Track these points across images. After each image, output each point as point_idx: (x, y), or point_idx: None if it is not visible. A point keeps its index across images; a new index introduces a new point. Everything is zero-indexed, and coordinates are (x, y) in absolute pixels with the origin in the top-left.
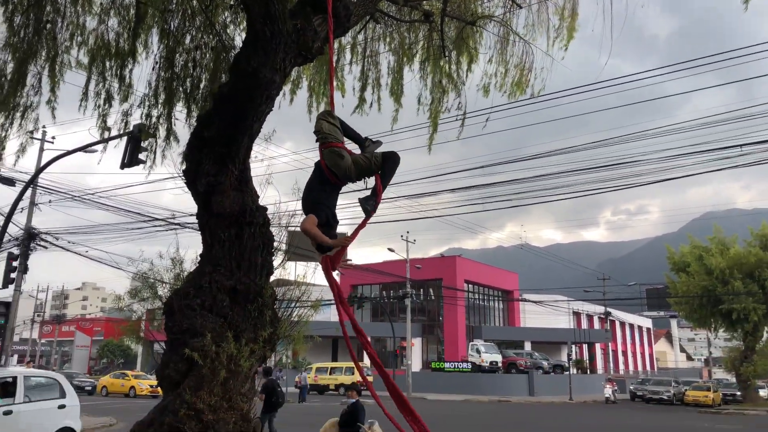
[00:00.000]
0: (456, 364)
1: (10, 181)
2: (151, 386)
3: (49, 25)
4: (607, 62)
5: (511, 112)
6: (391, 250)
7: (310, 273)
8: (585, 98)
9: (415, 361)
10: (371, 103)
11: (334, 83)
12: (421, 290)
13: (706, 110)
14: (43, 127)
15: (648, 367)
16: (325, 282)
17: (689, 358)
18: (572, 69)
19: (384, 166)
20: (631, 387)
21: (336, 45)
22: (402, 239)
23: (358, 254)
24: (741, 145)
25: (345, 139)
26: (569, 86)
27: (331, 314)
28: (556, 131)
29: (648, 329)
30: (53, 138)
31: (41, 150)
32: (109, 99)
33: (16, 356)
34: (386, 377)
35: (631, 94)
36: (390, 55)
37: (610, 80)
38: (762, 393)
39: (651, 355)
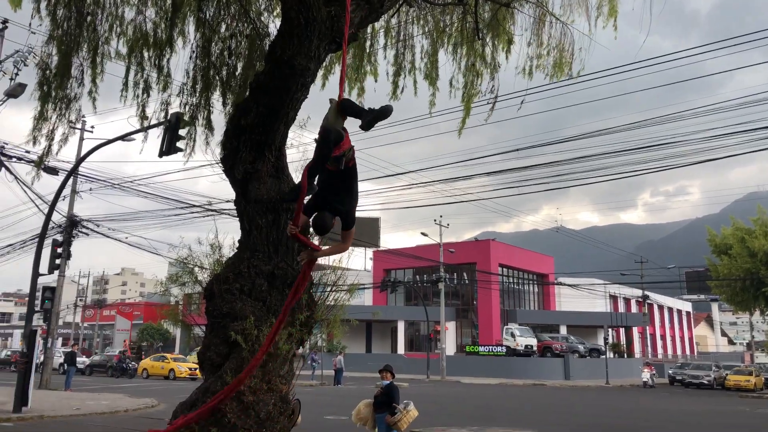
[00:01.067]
0: (490, 347)
1: (53, 171)
2: (190, 369)
3: (89, 17)
4: (645, 40)
5: (546, 93)
6: (424, 234)
7: (346, 258)
8: (624, 78)
9: (449, 344)
10: (403, 89)
11: (368, 68)
12: (455, 274)
13: (750, 88)
14: (83, 116)
15: (687, 351)
16: (359, 267)
17: (730, 342)
18: (610, 48)
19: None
20: (670, 371)
21: (369, 30)
22: (435, 223)
23: (391, 239)
24: None
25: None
26: (607, 66)
27: (365, 299)
28: (594, 112)
29: (687, 313)
30: (92, 127)
31: (81, 139)
32: (147, 89)
33: (60, 339)
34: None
35: (672, 73)
36: (424, 39)
37: (650, 59)
38: None
39: (690, 339)
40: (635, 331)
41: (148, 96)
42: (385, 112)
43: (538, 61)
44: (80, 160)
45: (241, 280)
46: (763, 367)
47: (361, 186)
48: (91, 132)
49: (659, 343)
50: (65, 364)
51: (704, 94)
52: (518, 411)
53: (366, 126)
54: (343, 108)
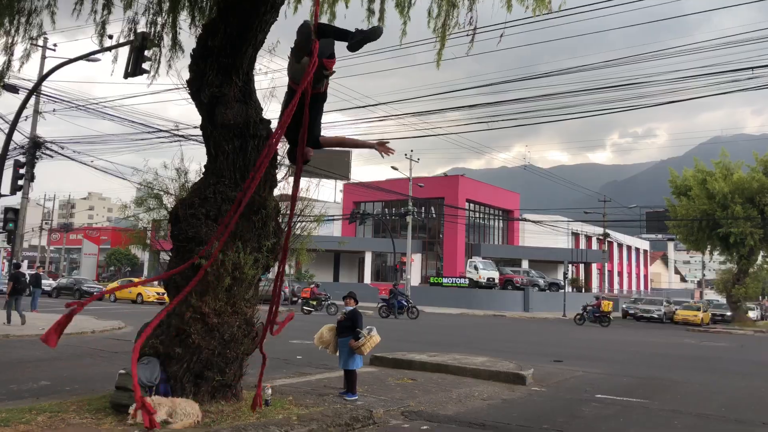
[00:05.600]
0: (454, 279)
1: (13, 89)
2: (158, 293)
3: None
4: None
5: (526, 28)
6: (394, 168)
7: (314, 188)
8: (604, 14)
9: (414, 275)
10: (379, 17)
11: None
12: (423, 208)
13: (726, 29)
14: (44, 33)
15: (642, 288)
16: (329, 199)
17: (683, 279)
18: None
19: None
20: (624, 306)
21: None
22: (406, 158)
23: (361, 172)
24: (752, 68)
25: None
26: (587, 2)
27: (334, 230)
28: (573, 50)
29: (645, 251)
30: (55, 45)
31: (43, 57)
32: (108, 5)
33: (26, 261)
34: None
35: (651, 12)
36: None
37: None
38: (751, 314)
39: (646, 276)
40: (594, 267)
41: (110, 13)
42: (375, 32)
43: None
44: (42, 78)
45: (207, 206)
46: (711, 304)
47: (333, 117)
48: (54, 50)
49: (616, 279)
50: (30, 286)
51: (681, 34)
52: (477, 339)
53: (353, 46)
54: (322, 31)
